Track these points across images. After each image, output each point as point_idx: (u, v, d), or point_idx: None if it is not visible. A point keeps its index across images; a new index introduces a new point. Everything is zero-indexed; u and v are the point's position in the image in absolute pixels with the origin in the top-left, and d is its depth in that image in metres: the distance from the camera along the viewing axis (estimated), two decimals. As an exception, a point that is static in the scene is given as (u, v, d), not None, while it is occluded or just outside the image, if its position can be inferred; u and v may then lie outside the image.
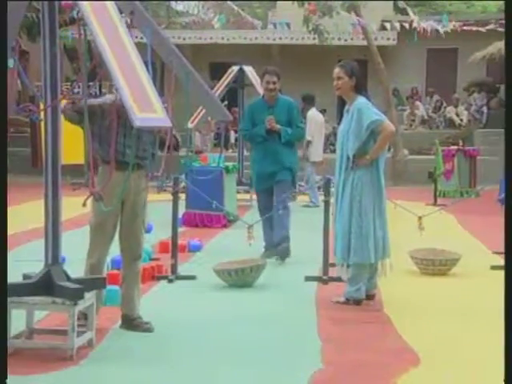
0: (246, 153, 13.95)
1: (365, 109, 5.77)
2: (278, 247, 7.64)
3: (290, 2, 18.37)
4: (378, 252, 5.83)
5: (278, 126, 7.62)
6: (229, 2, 18.40)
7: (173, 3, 26.85)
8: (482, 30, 18.17)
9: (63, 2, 4.45)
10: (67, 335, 4.48)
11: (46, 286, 4.57)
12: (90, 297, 4.68)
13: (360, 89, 5.87)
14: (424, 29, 17.67)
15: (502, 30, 18.08)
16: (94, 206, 5.01)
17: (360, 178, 5.77)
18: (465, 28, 18.14)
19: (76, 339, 4.49)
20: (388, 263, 5.97)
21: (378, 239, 5.81)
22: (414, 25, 17.60)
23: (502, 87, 22.48)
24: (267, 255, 7.57)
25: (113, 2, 4.45)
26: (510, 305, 3.23)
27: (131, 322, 5.14)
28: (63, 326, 4.72)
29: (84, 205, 4.72)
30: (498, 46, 19.04)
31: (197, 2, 26.70)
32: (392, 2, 21.74)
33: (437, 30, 18.01)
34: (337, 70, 5.91)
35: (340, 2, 18.63)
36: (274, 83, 7.63)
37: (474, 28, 18.31)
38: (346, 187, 5.83)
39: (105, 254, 5.18)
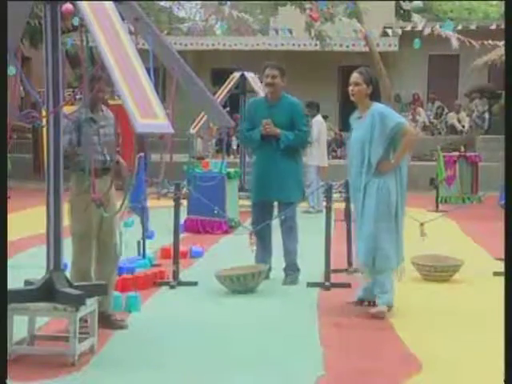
0: (248, 159, 13.95)
1: (387, 112, 5.80)
2: (286, 274, 7.02)
3: (292, 8, 18.39)
4: (399, 257, 5.88)
5: (278, 131, 6.80)
6: (231, 9, 18.41)
7: (175, 9, 26.92)
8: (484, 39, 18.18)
9: (64, 8, 4.46)
10: (69, 341, 4.48)
11: (47, 292, 4.57)
12: (91, 303, 4.68)
13: (375, 97, 5.86)
14: (432, 31, 17.62)
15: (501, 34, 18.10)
16: (77, 213, 5.12)
17: (386, 182, 5.74)
18: (467, 31, 18.11)
19: (78, 345, 4.49)
20: (402, 268, 5.97)
21: (400, 244, 5.85)
22: (420, 28, 17.55)
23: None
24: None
25: (115, 8, 4.46)
26: (510, 307, 3.22)
27: (108, 319, 5.27)
28: (65, 332, 4.71)
29: (85, 210, 4.73)
30: (500, 52, 19.04)
31: (199, 8, 26.72)
32: (394, 8, 21.77)
33: (444, 35, 17.98)
34: (355, 76, 5.84)
35: (342, 8, 18.65)
36: (274, 77, 6.80)
37: (475, 36, 18.32)
38: (369, 192, 5.75)
39: (92, 259, 5.27)
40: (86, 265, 5.22)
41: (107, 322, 5.25)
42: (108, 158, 5.24)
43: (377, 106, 5.80)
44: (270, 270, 7.04)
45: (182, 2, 27.31)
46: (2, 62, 4.03)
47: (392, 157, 5.80)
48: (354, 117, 5.98)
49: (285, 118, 6.87)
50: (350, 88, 5.83)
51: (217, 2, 18.96)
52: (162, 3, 25.76)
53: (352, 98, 5.87)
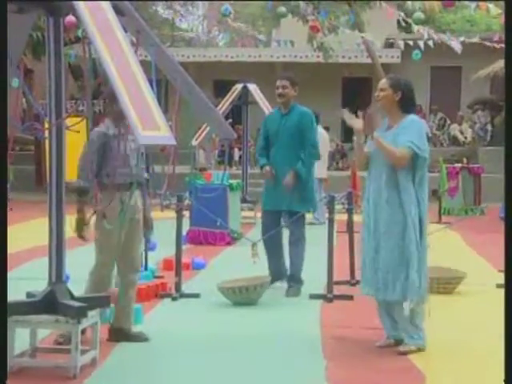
0: (250, 170, 13.95)
1: (418, 128, 5.08)
2: (288, 285, 7.05)
3: (294, 20, 18.45)
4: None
5: (287, 180, 6.89)
6: (233, 21, 18.44)
7: (177, 21, 27.01)
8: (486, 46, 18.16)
9: (66, 21, 4.47)
10: (70, 354, 4.46)
11: (49, 304, 4.55)
12: (93, 315, 4.67)
13: (409, 108, 5.16)
14: (434, 41, 17.60)
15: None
16: (100, 224, 5.08)
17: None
18: (471, 43, 18.09)
19: (79, 358, 4.47)
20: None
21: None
22: (425, 37, 17.53)
23: (506, 105, 22.51)
24: (276, 280, 7.10)
25: (117, 19, 4.47)
26: (510, 308, 3.21)
27: (127, 335, 5.25)
28: (66, 344, 4.70)
29: (87, 223, 4.72)
30: (502, 63, 19.06)
31: (201, 20, 26.79)
32: (396, 20, 21.81)
33: (446, 47, 17.99)
34: (382, 81, 5.26)
35: (344, 19, 18.70)
36: (284, 87, 6.97)
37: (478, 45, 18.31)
38: (394, 210, 5.04)
39: (111, 270, 5.27)
40: (104, 277, 5.23)
41: (126, 337, 5.22)
42: (138, 172, 5.26)
43: (412, 119, 5.12)
44: (284, 273, 7.15)
45: (184, 14, 27.42)
46: (2, 61, 4.02)
47: (410, 181, 5.06)
48: (382, 127, 5.25)
49: (295, 128, 7.02)
50: (376, 94, 5.25)
51: (219, 14, 19.02)
52: (165, 15, 25.85)
53: (378, 105, 5.22)
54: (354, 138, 5.37)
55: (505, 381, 3.12)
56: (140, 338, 5.27)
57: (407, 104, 5.16)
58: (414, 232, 5.01)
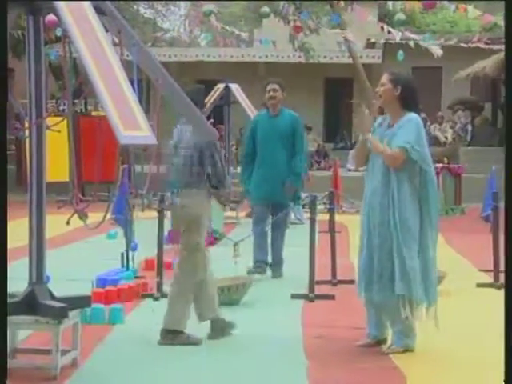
0: (232, 170, 13.94)
1: (414, 127, 4.95)
2: (273, 269, 7.81)
3: (276, 19, 18.47)
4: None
5: (290, 192, 7.69)
6: (215, 21, 18.43)
7: (159, 21, 26.95)
8: (466, 47, 18.30)
9: (47, 20, 4.44)
10: (51, 355, 4.44)
11: (30, 304, 4.52)
12: (74, 315, 4.64)
13: (408, 105, 5.02)
14: (413, 43, 17.73)
15: (483, 46, 18.27)
16: (203, 228, 5.47)
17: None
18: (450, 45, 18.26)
19: (60, 359, 4.44)
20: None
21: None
22: (399, 40, 17.67)
23: (487, 105, 22.66)
24: (259, 272, 7.61)
25: (98, 19, 4.45)
26: (510, 307, 3.23)
27: (220, 321, 5.51)
28: (47, 345, 4.67)
29: (68, 223, 4.70)
30: (482, 64, 19.20)
31: (183, 20, 26.71)
32: (377, 20, 21.90)
33: (426, 48, 18.14)
34: (383, 76, 5.11)
35: (325, 20, 18.75)
36: (275, 91, 7.64)
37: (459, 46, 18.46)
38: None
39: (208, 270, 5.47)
40: (203, 275, 5.40)
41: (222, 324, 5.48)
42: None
43: (409, 118, 4.99)
44: (267, 264, 7.78)
45: (166, 13, 27.36)
46: (1, 62, 3.99)
47: (405, 181, 4.97)
48: (378, 122, 5.19)
49: (285, 129, 7.70)
50: (376, 90, 5.14)
51: (201, 14, 19.02)
52: (147, 15, 25.79)
53: (379, 103, 5.11)
54: (360, 135, 5.22)
55: (505, 381, 3.14)
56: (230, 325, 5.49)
57: (407, 100, 5.01)
58: (408, 234, 4.90)
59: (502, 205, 7.69)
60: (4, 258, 3.79)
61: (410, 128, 4.95)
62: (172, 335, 5.19)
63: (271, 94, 7.64)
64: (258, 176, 7.76)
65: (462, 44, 18.25)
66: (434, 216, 5.00)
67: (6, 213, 3.84)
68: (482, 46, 18.27)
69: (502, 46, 17.80)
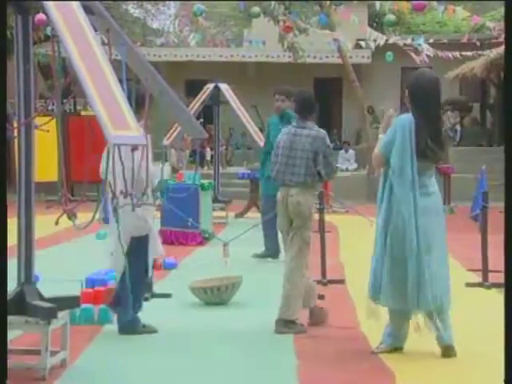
0: (221, 170, 13.95)
1: (393, 127, 5.07)
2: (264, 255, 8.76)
3: (265, 20, 18.46)
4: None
5: None
6: (203, 21, 18.42)
7: (149, 21, 26.89)
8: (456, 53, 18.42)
9: (37, 18, 4.43)
10: (40, 355, 4.42)
11: (19, 305, 4.51)
12: (63, 316, 4.63)
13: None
14: (404, 44, 17.79)
15: (469, 53, 18.42)
16: (311, 223, 5.69)
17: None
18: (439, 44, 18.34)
19: (49, 359, 4.43)
20: None
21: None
22: (391, 41, 17.72)
23: (475, 106, 22.75)
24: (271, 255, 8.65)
25: (86, 18, 4.44)
26: (510, 306, 3.24)
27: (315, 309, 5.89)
28: (36, 345, 4.65)
29: (57, 223, 4.67)
30: (471, 65, 19.27)
31: (173, 20, 26.67)
32: (367, 21, 21.94)
33: (416, 49, 18.20)
34: None
35: (315, 20, 18.76)
36: (283, 100, 8.29)
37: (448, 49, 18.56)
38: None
39: None
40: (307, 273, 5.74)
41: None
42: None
43: (398, 118, 5.14)
44: (279, 251, 8.32)
45: (155, 13, 27.30)
46: (1, 61, 3.97)
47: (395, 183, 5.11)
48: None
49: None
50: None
51: (191, 14, 19.00)
52: (136, 14, 25.72)
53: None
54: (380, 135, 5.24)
55: (505, 381, 3.15)
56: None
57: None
58: (398, 238, 4.89)
59: (491, 205, 7.75)
60: (4, 257, 3.77)
61: (392, 128, 5.02)
62: (291, 324, 5.55)
63: (279, 103, 8.34)
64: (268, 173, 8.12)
65: (450, 48, 18.37)
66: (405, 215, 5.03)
67: (5, 213, 3.83)
68: (468, 52, 18.44)
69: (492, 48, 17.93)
